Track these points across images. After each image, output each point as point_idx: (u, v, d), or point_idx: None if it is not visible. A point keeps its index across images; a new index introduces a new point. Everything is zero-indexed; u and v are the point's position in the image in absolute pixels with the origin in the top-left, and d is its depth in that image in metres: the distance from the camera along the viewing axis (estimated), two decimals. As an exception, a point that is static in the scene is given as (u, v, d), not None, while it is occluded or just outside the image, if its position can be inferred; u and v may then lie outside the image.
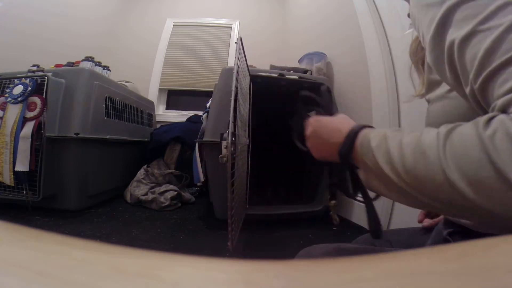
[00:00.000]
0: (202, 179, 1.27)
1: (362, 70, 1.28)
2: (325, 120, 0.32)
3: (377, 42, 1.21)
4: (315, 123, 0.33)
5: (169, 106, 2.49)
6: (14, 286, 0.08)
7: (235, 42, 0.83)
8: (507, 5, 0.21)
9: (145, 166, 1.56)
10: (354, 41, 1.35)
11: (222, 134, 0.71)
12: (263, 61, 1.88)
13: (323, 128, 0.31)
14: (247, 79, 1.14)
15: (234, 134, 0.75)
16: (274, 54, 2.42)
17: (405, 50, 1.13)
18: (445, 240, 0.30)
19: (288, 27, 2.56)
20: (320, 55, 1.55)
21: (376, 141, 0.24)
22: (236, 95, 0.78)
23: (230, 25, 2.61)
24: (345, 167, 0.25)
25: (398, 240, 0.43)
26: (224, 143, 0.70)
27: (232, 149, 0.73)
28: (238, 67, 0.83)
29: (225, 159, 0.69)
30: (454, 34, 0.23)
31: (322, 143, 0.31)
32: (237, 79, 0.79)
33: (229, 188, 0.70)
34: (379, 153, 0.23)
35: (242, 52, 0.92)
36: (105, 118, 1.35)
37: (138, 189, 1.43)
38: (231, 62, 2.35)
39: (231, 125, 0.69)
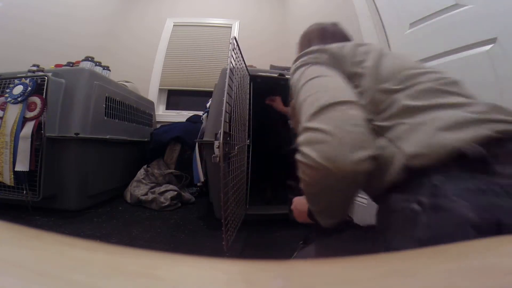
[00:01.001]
0: (202, 179, 1.27)
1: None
2: (301, 199, 0.52)
3: (377, 42, 1.21)
4: (296, 201, 0.54)
5: (169, 106, 2.48)
6: (14, 286, 0.08)
7: (230, 42, 0.83)
8: (305, 83, 0.38)
9: (145, 166, 1.56)
10: (354, 40, 1.35)
11: (216, 134, 0.71)
12: (263, 61, 1.88)
13: (300, 205, 0.52)
14: (246, 79, 1.14)
15: (228, 134, 0.75)
16: (274, 54, 2.42)
17: (405, 51, 1.12)
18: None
19: (288, 27, 2.56)
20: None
21: None
22: (229, 95, 0.78)
23: (230, 25, 2.61)
24: (315, 223, 0.41)
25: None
26: (216, 143, 0.69)
27: (226, 149, 0.73)
28: (233, 67, 0.83)
29: (217, 159, 0.69)
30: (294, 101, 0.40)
31: (300, 212, 0.51)
32: (231, 78, 0.79)
33: (222, 188, 0.70)
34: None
35: (239, 51, 0.92)
36: (105, 118, 1.35)
37: (138, 189, 1.43)
38: (234, 62, 2.37)
39: (223, 124, 0.69)
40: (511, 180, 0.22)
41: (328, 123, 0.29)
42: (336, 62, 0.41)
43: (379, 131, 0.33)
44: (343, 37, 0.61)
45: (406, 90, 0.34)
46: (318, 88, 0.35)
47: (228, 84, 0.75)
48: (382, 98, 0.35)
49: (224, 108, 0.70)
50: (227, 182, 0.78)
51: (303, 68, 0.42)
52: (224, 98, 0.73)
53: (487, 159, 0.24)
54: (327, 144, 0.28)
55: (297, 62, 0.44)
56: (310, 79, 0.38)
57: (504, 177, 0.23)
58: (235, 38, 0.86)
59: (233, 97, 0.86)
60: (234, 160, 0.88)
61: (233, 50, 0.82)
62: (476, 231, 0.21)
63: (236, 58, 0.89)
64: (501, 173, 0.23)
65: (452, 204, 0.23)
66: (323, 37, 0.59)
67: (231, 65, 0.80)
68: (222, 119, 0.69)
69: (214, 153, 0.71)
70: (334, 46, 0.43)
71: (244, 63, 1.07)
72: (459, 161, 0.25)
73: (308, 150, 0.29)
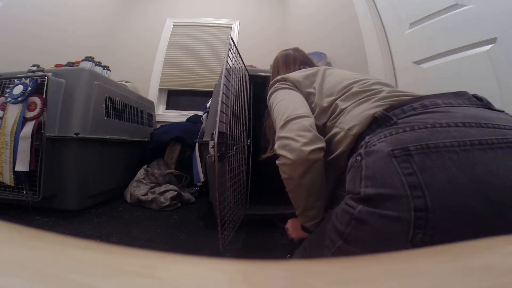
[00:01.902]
0: (202, 179, 1.26)
1: (362, 70, 1.28)
2: (294, 219, 0.63)
3: (377, 42, 1.21)
4: (290, 221, 0.65)
5: (169, 106, 2.48)
6: (14, 286, 0.08)
7: (228, 43, 0.82)
8: (276, 105, 0.54)
9: (145, 166, 1.56)
10: (354, 41, 1.35)
11: (212, 134, 0.71)
12: (263, 61, 1.87)
13: (294, 222, 0.63)
14: (246, 79, 1.14)
15: (224, 134, 0.75)
16: (274, 55, 2.40)
17: (405, 51, 1.12)
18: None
19: (288, 27, 2.56)
20: (320, 55, 1.55)
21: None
22: (226, 95, 0.78)
23: (230, 25, 2.61)
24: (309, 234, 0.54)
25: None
26: (211, 143, 0.69)
27: (222, 149, 0.73)
28: (230, 67, 0.83)
29: (213, 159, 0.69)
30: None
31: (294, 229, 0.62)
32: (227, 78, 0.79)
33: (217, 188, 0.70)
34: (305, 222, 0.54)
35: (236, 51, 0.92)
36: (105, 118, 1.35)
37: (138, 189, 1.43)
38: (231, 62, 2.37)
39: (217, 124, 0.69)
40: (405, 124, 0.35)
41: (290, 132, 0.45)
42: (295, 85, 0.58)
43: (332, 127, 0.48)
44: (302, 59, 0.78)
45: (341, 97, 0.50)
46: (283, 107, 0.52)
47: (225, 84, 0.75)
48: (329, 107, 0.51)
49: (219, 108, 0.70)
50: (224, 182, 0.78)
51: (274, 94, 0.58)
52: (219, 98, 0.72)
53: (390, 117, 0.38)
54: (292, 146, 0.43)
55: (271, 89, 0.61)
56: (278, 102, 0.54)
57: (402, 123, 0.36)
58: (232, 38, 0.86)
59: (230, 97, 0.85)
60: (233, 160, 0.88)
61: (230, 50, 0.82)
62: (394, 158, 0.31)
63: (234, 58, 0.88)
64: (399, 122, 0.37)
65: (376, 146, 0.35)
66: (287, 61, 0.78)
67: (228, 65, 0.80)
68: (217, 119, 0.69)
69: (209, 153, 0.71)
70: (291, 74, 0.61)
71: (243, 63, 1.07)
72: (376, 123, 0.40)
73: (282, 152, 0.44)
